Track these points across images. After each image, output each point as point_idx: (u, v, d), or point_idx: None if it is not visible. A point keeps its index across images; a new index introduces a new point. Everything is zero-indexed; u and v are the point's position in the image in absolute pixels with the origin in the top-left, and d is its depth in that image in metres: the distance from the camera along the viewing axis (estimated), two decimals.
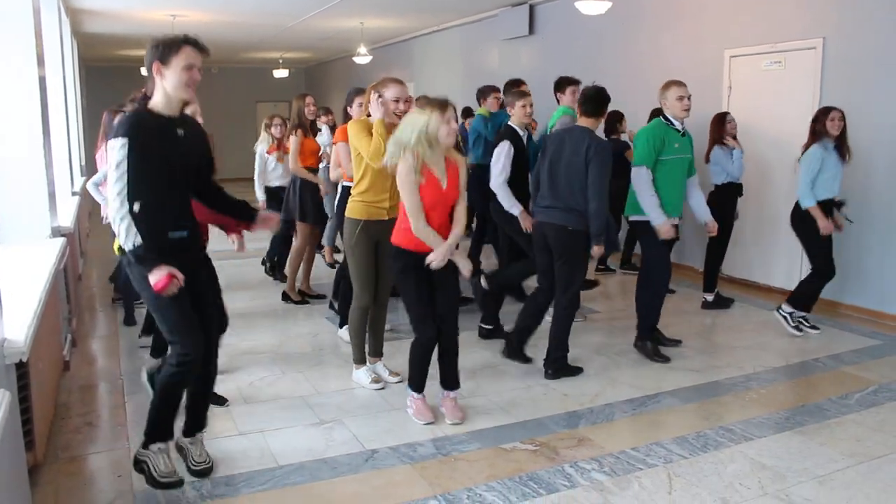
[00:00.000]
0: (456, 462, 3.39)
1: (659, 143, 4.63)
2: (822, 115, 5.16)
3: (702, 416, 3.96)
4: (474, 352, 4.96)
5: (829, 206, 5.20)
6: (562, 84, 5.73)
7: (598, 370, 4.64)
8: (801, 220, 5.25)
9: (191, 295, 2.95)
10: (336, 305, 5.62)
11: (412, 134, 3.56)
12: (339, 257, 6.65)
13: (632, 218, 4.84)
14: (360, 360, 4.39)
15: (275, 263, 7.20)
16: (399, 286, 3.83)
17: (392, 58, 14.33)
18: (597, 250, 4.37)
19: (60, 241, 4.62)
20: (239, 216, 3.29)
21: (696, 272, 7.15)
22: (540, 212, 4.52)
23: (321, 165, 6.52)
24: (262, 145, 6.93)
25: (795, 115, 6.23)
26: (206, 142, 3.18)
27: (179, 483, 3.00)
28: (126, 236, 2.75)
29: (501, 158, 4.94)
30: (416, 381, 3.87)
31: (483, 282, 5.23)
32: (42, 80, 4.71)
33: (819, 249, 5.23)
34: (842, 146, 5.16)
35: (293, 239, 6.44)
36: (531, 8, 9.80)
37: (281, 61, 17.85)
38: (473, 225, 7.11)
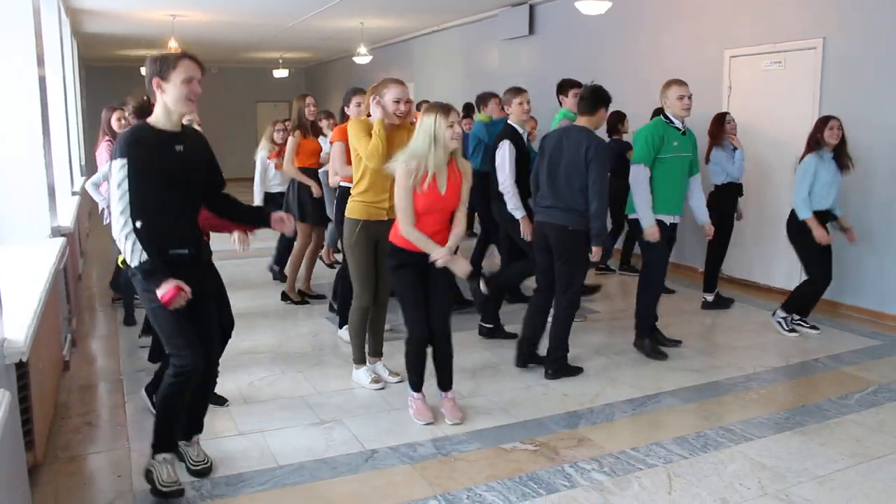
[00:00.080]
0: (456, 462, 3.39)
1: (658, 142, 4.63)
2: (821, 123, 5.11)
3: (702, 416, 3.96)
4: (474, 352, 4.97)
5: (825, 217, 5.18)
6: (564, 87, 5.60)
7: (598, 370, 4.65)
8: (797, 231, 5.20)
9: (194, 310, 2.97)
10: (336, 306, 5.62)
11: (426, 142, 3.55)
12: (339, 257, 6.65)
13: (633, 216, 4.84)
14: (359, 360, 4.39)
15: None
16: (393, 284, 3.84)
17: (392, 58, 14.33)
18: (597, 251, 4.36)
19: (60, 241, 4.62)
20: (253, 222, 3.33)
21: (696, 272, 7.16)
22: (540, 212, 4.52)
23: (321, 170, 6.51)
24: (262, 151, 6.94)
25: (795, 115, 6.23)
26: (209, 154, 3.17)
27: (180, 492, 3.03)
28: (132, 253, 2.79)
29: (507, 161, 4.93)
30: (413, 380, 3.88)
31: (482, 286, 5.22)
32: (42, 80, 4.71)
33: (814, 260, 5.19)
34: (841, 156, 5.12)
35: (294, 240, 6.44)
36: (531, 8, 9.80)
37: (281, 61, 17.86)
38: (475, 226, 7.11)
